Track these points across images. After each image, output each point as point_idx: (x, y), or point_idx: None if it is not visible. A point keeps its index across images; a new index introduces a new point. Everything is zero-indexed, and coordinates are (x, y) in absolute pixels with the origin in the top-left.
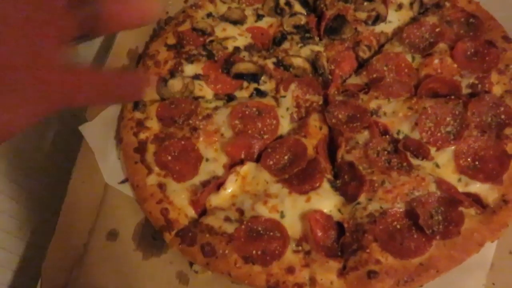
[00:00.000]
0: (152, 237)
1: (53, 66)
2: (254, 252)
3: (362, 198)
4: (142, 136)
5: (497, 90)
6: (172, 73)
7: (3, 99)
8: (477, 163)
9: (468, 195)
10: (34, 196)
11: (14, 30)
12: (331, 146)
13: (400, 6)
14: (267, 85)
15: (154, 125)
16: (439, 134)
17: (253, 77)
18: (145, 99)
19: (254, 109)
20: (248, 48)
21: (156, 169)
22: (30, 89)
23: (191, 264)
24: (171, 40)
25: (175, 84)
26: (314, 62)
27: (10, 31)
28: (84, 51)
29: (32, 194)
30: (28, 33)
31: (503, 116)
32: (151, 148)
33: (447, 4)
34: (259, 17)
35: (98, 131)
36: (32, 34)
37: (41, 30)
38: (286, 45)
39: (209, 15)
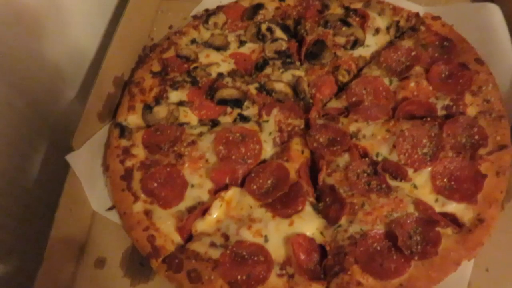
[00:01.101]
0: (139, 263)
1: None
2: (239, 277)
3: (343, 220)
4: (129, 163)
5: (471, 111)
6: (157, 100)
7: None
8: (453, 183)
9: (445, 215)
10: (22, 223)
11: None
12: (313, 169)
13: (377, 31)
14: (250, 110)
15: (140, 152)
16: (416, 156)
17: (237, 103)
18: (131, 126)
19: (238, 134)
20: (231, 74)
21: (143, 196)
22: None
23: None
24: (156, 67)
25: (160, 111)
26: (295, 86)
27: None
28: (71, 78)
29: (21, 221)
30: None
31: (476, 137)
32: (137, 175)
33: (422, 27)
34: (241, 43)
35: (85, 160)
36: None
37: None
38: (268, 70)
39: (193, 41)
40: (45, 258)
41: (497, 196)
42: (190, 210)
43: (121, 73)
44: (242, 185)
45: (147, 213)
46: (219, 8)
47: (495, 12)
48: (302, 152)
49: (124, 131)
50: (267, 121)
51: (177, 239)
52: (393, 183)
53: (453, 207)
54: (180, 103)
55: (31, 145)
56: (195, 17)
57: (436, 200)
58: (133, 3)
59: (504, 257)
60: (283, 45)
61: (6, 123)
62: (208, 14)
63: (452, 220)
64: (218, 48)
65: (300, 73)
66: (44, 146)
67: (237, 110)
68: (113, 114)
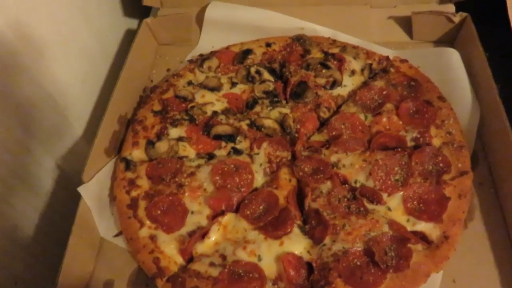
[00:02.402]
0: (145, 284)
1: None
2: None
3: (327, 240)
4: (134, 193)
5: (436, 142)
6: (159, 136)
7: None
8: (421, 205)
9: (416, 233)
10: (29, 254)
11: None
12: (300, 195)
13: (353, 72)
14: (242, 144)
15: (144, 183)
16: (389, 182)
17: (230, 138)
18: (135, 160)
19: (232, 165)
20: (225, 112)
21: (148, 222)
22: None
23: None
24: (157, 107)
25: (162, 146)
26: (282, 122)
27: None
28: (78, 118)
29: (28, 252)
30: None
31: (441, 165)
32: (142, 204)
33: (392, 69)
34: (233, 84)
35: (94, 191)
36: None
37: None
38: (257, 108)
39: (190, 83)
40: (60, 281)
41: (459, 216)
42: (191, 234)
43: (125, 113)
44: (237, 211)
45: (152, 238)
46: (212, 53)
47: (454, 56)
48: (290, 180)
49: (129, 164)
50: (258, 153)
51: (180, 260)
52: (369, 206)
53: (422, 226)
54: (180, 139)
55: (40, 180)
56: (190, 61)
57: (408, 220)
58: (135, 49)
59: (468, 269)
60: (270, 86)
61: (15, 159)
62: (203, 58)
63: (422, 237)
64: (212, 89)
65: (286, 110)
66: (51, 181)
67: (231, 144)
68: (118, 150)
